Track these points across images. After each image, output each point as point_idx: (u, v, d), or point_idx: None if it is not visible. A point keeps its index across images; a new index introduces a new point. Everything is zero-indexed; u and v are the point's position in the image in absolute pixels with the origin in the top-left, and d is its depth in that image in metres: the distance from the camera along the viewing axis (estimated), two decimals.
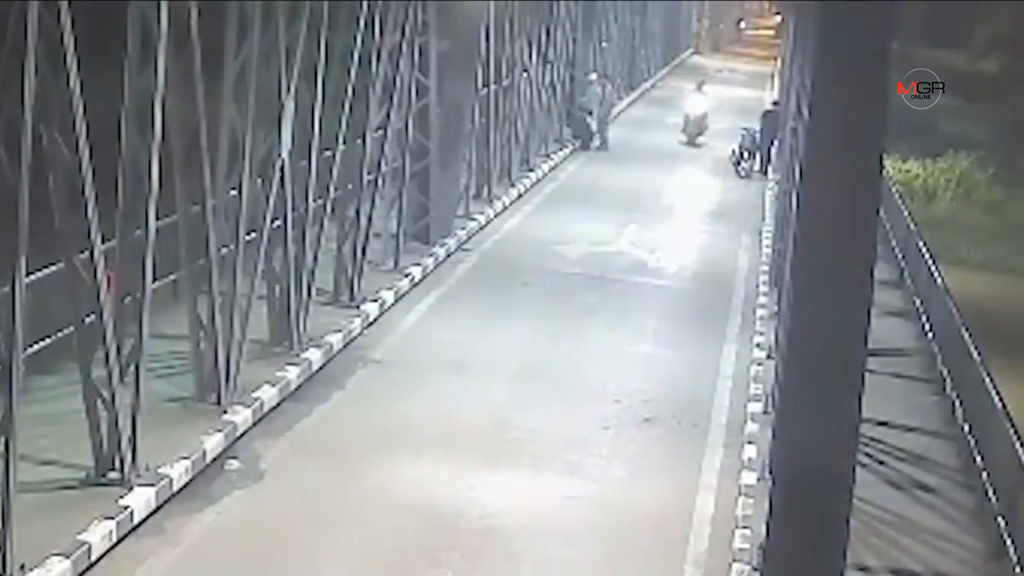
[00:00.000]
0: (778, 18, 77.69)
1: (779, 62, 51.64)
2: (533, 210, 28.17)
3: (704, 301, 22.09)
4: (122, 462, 12.22)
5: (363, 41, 17.82)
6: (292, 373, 15.72)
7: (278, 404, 15.11)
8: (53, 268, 13.00)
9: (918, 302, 21.40)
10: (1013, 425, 13.47)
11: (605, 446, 15.07)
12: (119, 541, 11.52)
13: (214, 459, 13.38)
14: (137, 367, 12.58)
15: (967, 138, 44.42)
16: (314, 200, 16.98)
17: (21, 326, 10.35)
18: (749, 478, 13.97)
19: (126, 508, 11.78)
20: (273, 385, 15.21)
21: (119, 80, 12.67)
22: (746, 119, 38.64)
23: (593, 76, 38.48)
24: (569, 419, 15.75)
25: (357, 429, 14.85)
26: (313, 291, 17.15)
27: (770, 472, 11.16)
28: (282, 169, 15.63)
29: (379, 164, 19.84)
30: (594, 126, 37.16)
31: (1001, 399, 14.26)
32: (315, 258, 17.17)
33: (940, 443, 15.70)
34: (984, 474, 14.12)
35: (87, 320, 11.95)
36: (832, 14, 9.46)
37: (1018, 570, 12.15)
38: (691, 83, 43.95)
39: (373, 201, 19.52)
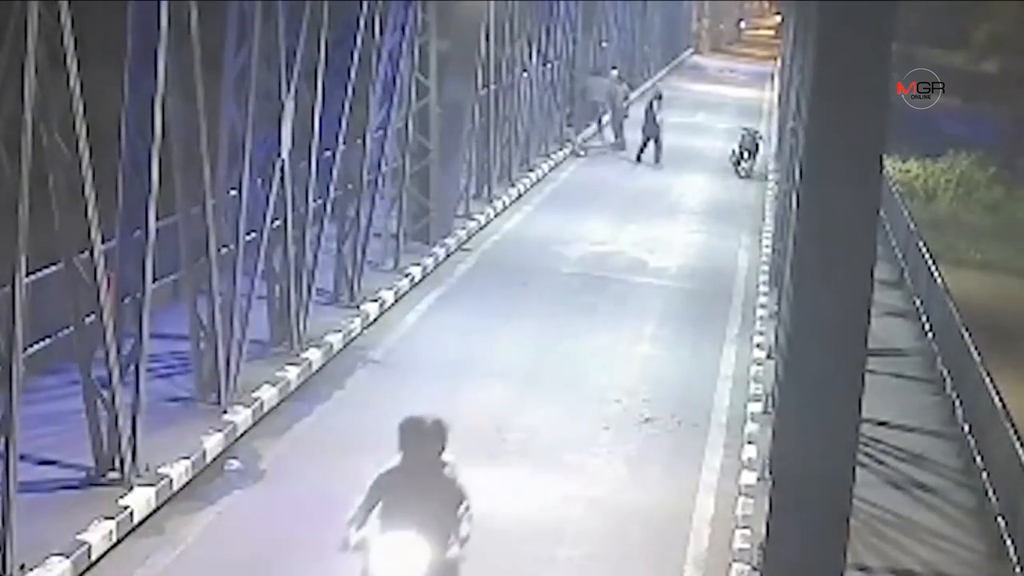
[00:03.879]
0: (778, 18, 77.70)
1: (779, 62, 51.66)
2: (533, 210, 28.17)
3: (704, 301, 22.08)
4: (122, 462, 12.21)
5: (363, 41, 17.82)
6: (292, 373, 15.72)
7: (278, 404, 15.11)
8: (53, 268, 13.00)
9: (918, 302, 21.41)
10: (1013, 425, 13.48)
11: (605, 446, 15.07)
12: (119, 541, 11.51)
13: (214, 459, 13.38)
14: (137, 367, 12.58)
15: (966, 138, 44.45)
16: (314, 200, 16.98)
17: (21, 326, 10.35)
18: (749, 478, 13.97)
19: (126, 508, 11.78)
20: (273, 385, 15.21)
21: (119, 80, 12.66)
22: (746, 119, 38.61)
23: (614, 72, 38.64)
24: (569, 419, 15.75)
25: (357, 429, 14.82)
26: (313, 291, 17.15)
27: (770, 472, 11.16)
28: (282, 169, 15.63)
29: (379, 164, 19.84)
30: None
31: (1001, 399, 14.27)
32: (315, 258, 17.17)
33: (940, 443, 15.70)
34: (984, 474, 14.13)
35: (87, 320, 11.95)
36: (832, 14, 9.45)
37: (1018, 570, 12.16)
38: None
39: (373, 201, 19.53)
